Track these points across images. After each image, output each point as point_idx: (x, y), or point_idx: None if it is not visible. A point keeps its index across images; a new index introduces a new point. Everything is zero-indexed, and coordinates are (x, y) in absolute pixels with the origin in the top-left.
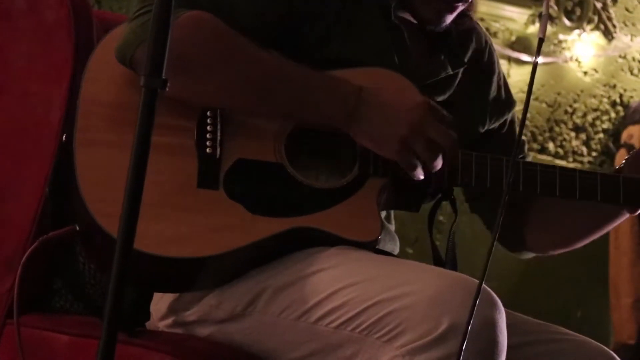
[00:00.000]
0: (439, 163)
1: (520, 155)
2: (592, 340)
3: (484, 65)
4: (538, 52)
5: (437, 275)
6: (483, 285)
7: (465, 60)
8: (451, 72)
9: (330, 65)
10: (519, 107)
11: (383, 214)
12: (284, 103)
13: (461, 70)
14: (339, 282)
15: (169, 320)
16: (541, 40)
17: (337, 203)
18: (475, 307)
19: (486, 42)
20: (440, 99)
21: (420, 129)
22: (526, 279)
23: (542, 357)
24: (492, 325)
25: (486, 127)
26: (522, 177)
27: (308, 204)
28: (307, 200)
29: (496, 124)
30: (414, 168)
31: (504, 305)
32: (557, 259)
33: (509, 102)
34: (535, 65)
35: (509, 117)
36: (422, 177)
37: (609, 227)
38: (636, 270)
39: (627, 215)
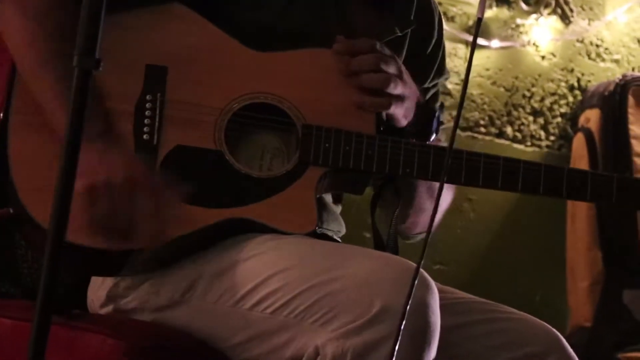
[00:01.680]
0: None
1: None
2: (536, 319)
3: (425, 19)
4: (476, 33)
5: (370, 258)
6: (415, 266)
7: (412, 17)
8: (400, 34)
9: (264, 43)
10: (476, 91)
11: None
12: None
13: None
14: (273, 268)
15: (109, 308)
16: (479, 20)
17: (275, 193)
18: (413, 289)
19: None
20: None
21: None
22: (485, 264)
23: (486, 336)
24: (424, 307)
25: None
26: (465, 167)
27: (245, 194)
28: (245, 190)
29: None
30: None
31: (464, 289)
32: (516, 244)
33: (442, 69)
34: (473, 45)
35: (437, 83)
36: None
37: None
38: (592, 255)
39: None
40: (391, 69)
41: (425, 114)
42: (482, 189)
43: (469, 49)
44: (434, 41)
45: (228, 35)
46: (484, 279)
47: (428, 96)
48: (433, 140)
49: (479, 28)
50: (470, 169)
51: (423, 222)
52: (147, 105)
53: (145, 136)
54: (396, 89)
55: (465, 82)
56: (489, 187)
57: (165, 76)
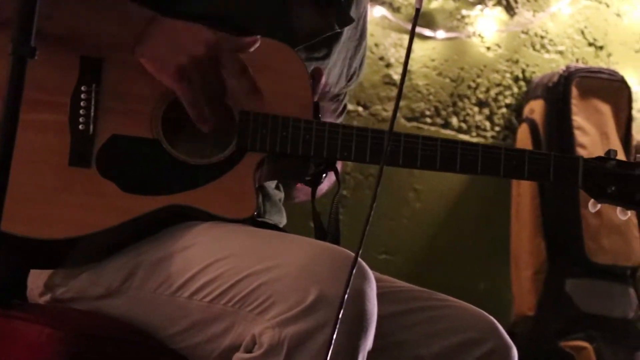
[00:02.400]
0: (215, 103)
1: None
2: (473, 306)
3: (359, 14)
4: (415, 22)
5: (308, 247)
6: (353, 255)
7: (352, 14)
8: (338, 30)
9: None
10: (421, 81)
11: (272, 184)
12: (68, 15)
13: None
14: (212, 256)
15: (47, 297)
16: (418, 11)
17: (213, 179)
18: (351, 278)
19: None
20: (319, 55)
21: (195, 61)
22: (431, 253)
23: (423, 324)
24: (361, 296)
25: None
26: (403, 149)
27: (183, 181)
28: (183, 177)
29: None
30: (193, 106)
31: (409, 279)
32: (461, 234)
33: (363, 57)
34: (412, 34)
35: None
36: (203, 124)
37: None
38: (535, 243)
39: None
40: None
41: None
42: (423, 170)
43: (414, 39)
44: (359, 32)
45: None
46: (430, 268)
47: (352, 84)
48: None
49: (416, 19)
50: (408, 151)
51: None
52: (83, 96)
53: (81, 126)
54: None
55: (404, 72)
56: (428, 168)
57: (101, 67)
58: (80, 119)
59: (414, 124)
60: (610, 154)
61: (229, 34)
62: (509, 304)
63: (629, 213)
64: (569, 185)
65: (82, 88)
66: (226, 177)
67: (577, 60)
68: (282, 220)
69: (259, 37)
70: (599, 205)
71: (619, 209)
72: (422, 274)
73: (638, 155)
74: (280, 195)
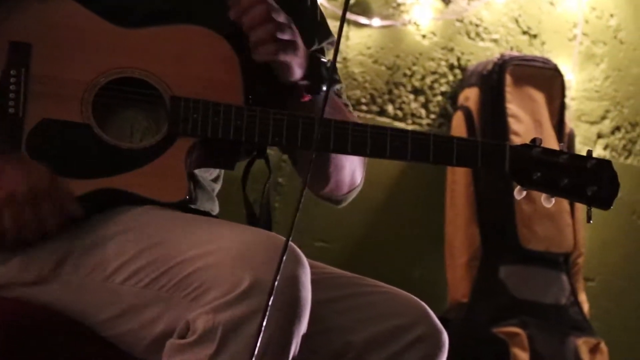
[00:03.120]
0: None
1: (342, 101)
2: (404, 292)
3: None
4: (345, 8)
5: (243, 233)
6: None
7: None
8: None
9: (130, 20)
10: (357, 69)
11: (214, 172)
12: None
13: None
14: (146, 242)
15: None
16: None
17: (144, 164)
18: (284, 264)
19: None
20: None
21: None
22: (367, 240)
23: (355, 310)
24: (295, 281)
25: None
26: (333, 135)
27: (114, 165)
28: (114, 161)
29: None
30: None
31: (345, 266)
32: (396, 221)
33: (326, 32)
34: (342, 20)
35: (323, 47)
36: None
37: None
38: (470, 230)
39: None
40: (281, 18)
41: (314, 64)
42: (354, 155)
43: (350, 27)
44: (309, 4)
45: (93, 13)
46: (365, 255)
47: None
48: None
49: (347, 5)
50: (338, 137)
51: (349, 180)
52: (12, 79)
53: (10, 110)
54: (284, 35)
55: (334, 58)
56: (358, 154)
57: (30, 52)
58: (10, 103)
59: None
60: (535, 141)
61: None
62: (444, 291)
63: (553, 200)
64: (496, 171)
65: (12, 72)
66: (157, 161)
67: (511, 49)
68: (215, 209)
69: None
70: (524, 192)
71: (543, 195)
72: (358, 261)
73: (562, 144)
74: (215, 187)
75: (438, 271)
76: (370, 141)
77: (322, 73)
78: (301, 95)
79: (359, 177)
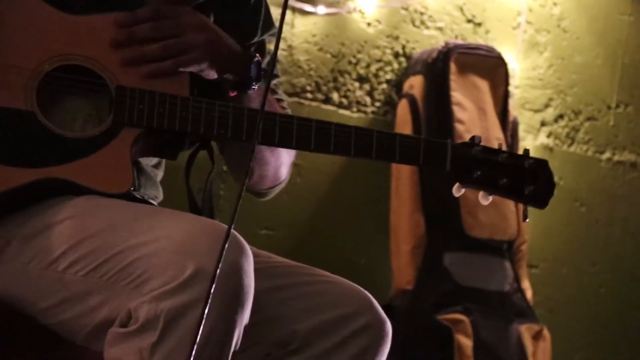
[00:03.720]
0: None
1: (276, 96)
2: (349, 282)
3: None
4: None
5: (185, 222)
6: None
7: None
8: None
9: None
10: (302, 57)
11: (155, 159)
12: None
13: None
14: (87, 230)
15: None
16: None
17: (89, 153)
18: (226, 252)
19: None
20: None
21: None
22: (312, 228)
23: (299, 299)
24: (238, 270)
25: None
26: (278, 129)
27: (59, 155)
28: (58, 150)
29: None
30: None
31: (291, 254)
32: (342, 209)
33: (269, 23)
34: (284, 10)
35: (264, 39)
36: None
37: None
38: (414, 218)
39: None
40: (168, 30)
41: (243, 61)
42: (298, 150)
43: (295, 15)
44: None
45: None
46: (311, 243)
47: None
48: (254, 88)
49: None
50: (283, 130)
51: (272, 175)
52: None
53: None
54: (176, 49)
55: (276, 46)
56: (303, 148)
57: None
58: None
59: (295, 99)
60: (475, 139)
61: None
62: (389, 278)
63: (490, 198)
64: (437, 169)
65: None
66: (102, 151)
67: (456, 37)
68: (159, 195)
69: None
70: (463, 190)
71: (480, 193)
72: (303, 248)
73: (500, 143)
74: (158, 173)
75: (383, 258)
76: (315, 136)
77: (249, 71)
78: (226, 91)
79: (284, 174)
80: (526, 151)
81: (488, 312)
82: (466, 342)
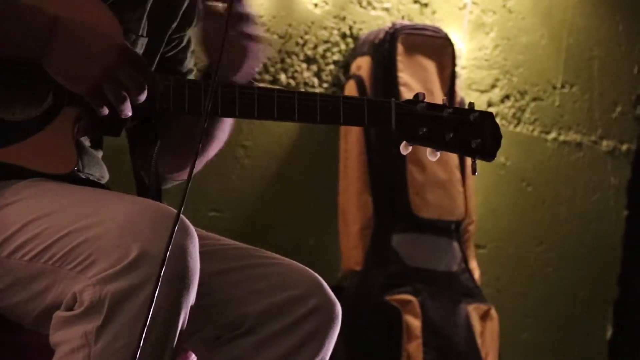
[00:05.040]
0: (126, 107)
1: None
2: (298, 264)
3: None
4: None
5: (130, 204)
6: (175, 212)
7: None
8: None
9: None
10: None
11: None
12: None
13: None
14: (31, 214)
15: None
16: None
17: (30, 135)
18: (173, 235)
19: None
20: (132, 16)
21: (112, 74)
22: (260, 210)
23: (248, 281)
24: (183, 252)
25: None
26: (221, 99)
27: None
28: None
29: (175, 39)
30: (103, 108)
31: (239, 236)
32: (290, 190)
33: (192, 19)
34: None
35: (186, 35)
36: (106, 113)
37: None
38: (362, 199)
39: None
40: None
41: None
42: (251, 127)
43: None
44: None
45: None
46: (259, 224)
47: (178, 48)
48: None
49: None
50: (226, 100)
51: (182, 165)
52: None
53: None
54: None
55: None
56: (246, 116)
57: None
58: None
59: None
60: (419, 96)
61: None
62: (338, 259)
63: (439, 154)
64: (383, 128)
65: None
66: (44, 132)
67: (402, 17)
68: (104, 175)
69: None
70: (410, 147)
71: (428, 150)
72: (251, 230)
73: (444, 98)
74: (99, 152)
75: (332, 239)
76: (258, 103)
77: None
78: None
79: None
80: (471, 104)
81: (436, 292)
82: (414, 322)
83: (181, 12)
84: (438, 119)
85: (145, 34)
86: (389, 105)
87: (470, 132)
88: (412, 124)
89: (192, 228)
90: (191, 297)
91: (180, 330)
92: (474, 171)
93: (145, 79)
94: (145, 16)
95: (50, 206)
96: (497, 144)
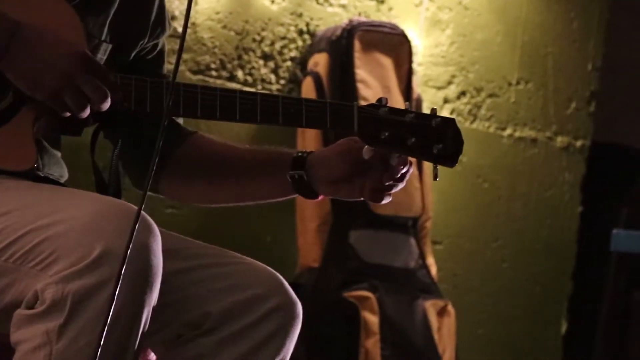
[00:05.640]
0: (86, 113)
1: None
2: (259, 263)
3: None
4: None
5: (92, 202)
6: (137, 210)
7: None
8: None
9: None
10: (206, 34)
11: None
12: None
13: None
14: None
15: None
16: None
17: None
18: (134, 233)
19: None
20: (96, 20)
21: (73, 83)
22: (217, 207)
23: (209, 280)
24: (146, 250)
25: (138, 50)
26: (183, 99)
27: None
28: None
29: (149, 46)
30: (63, 112)
31: (196, 233)
32: None
33: (164, 25)
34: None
35: (160, 41)
36: (67, 115)
37: (267, 199)
38: None
39: (293, 196)
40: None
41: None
42: (209, 125)
43: None
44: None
45: None
46: (216, 221)
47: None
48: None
49: None
50: (187, 101)
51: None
52: None
53: None
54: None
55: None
56: (208, 117)
57: None
58: None
59: (200, 77)
60: (381, 101)
61: None
62: (295, 256)
63: (371, 152)
64: (345, 132)
65: None
66: (3, 129)
67: (359, 14)
68: (64, 174)
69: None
70: (372, 152)
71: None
72: (208, 227)
73: (407, 102)
74: (58, 151)
75: (289, 236)
76: (220, 105)
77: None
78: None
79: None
80: (433, 110)
81: (394, 288)
82: (372, 318)
83: (150, 24)
84: (400, 123)
85: (109, 40)
86: (351, 109)
87: (431, 138)
88: (374, 127)
89: (155, 226)
90: (154, 296)
91: (143, 329)
92: (435, 177)
93: (108, 87)
94: (107, 22)
95: (12, 204)
96: (458, 150)
